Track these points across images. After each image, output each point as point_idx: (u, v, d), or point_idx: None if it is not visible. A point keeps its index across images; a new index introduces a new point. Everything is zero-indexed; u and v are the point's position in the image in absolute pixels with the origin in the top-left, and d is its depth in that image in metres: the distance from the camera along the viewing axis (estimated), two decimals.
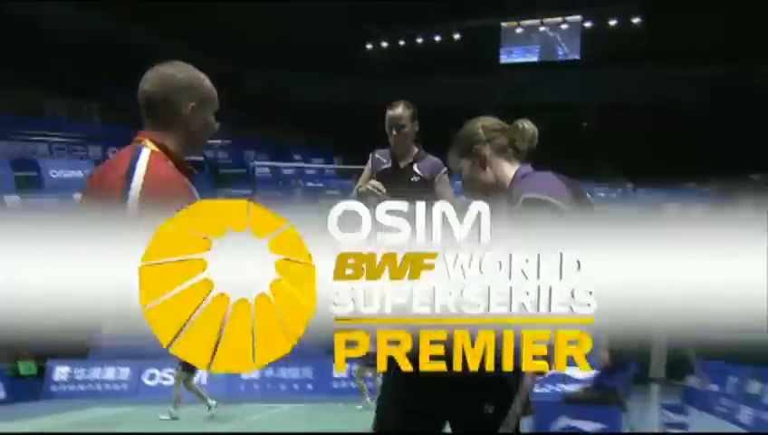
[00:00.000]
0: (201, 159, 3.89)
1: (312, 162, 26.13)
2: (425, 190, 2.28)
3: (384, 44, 32.29)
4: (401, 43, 31.83)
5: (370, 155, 2.51)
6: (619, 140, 25.67)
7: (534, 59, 29.56)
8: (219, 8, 24.03)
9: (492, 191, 1.25)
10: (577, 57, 28.40)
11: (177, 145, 1.14)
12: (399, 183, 2.34)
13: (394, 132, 2.31)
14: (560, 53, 28.90)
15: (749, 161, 18.97)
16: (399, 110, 2.34)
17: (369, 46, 32.58)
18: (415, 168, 2.35)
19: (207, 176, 4.00)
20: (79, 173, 13.12)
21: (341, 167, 19.23)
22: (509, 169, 1.26)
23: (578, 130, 29.19)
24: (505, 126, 1.32)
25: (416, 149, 2.43)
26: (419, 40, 31.28)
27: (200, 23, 24.76)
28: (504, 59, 29.96)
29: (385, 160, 2.43)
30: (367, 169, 2.50)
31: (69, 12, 21.02)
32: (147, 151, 1.07)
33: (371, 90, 33.72)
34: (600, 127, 27.92)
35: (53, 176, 13.10)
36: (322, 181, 20.06)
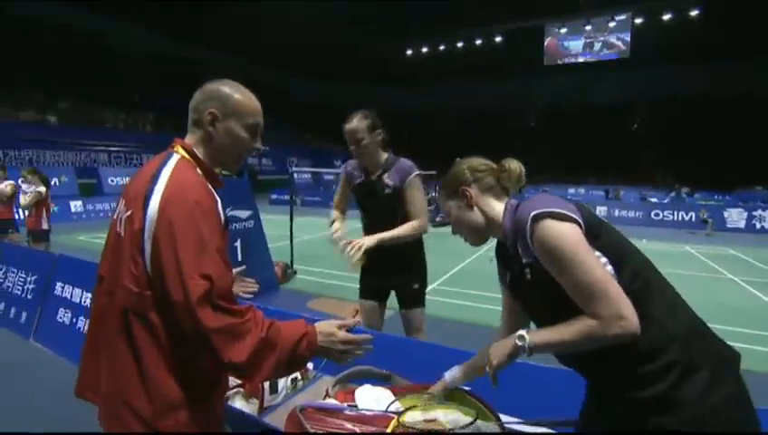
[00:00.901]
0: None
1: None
2: (397, 201, 2.22)
3: (424, 50, 32.27)
4: (441, 48, 31.65)
5: (343, 167, 2.45)
6: (672, 142, 24.14)
7: (580, 59, 28.44)
8: (265, 24, 24.87)
9: (481, 231, 1.24)
10: (626, 56, 27.04)
11: (206, 154, 1.13)
12: (374, 196, 2.29)
13: (353, 147, 2.22)
14: (607, 51, 27.61)
15: None
16: (355, 122, 2.19)
17: (409, 52, 32.69)
18: (385, 178, 2.24)
19: (246, 182, 4.10)
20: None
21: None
22: (497, 205, 1.21)
23: (628, 132, 27.77)
24: (492, 165, 1.25)
25: (384, 157, 2.29)
26: (460, 44, 30.97)
27: (248, 37, 25.82)
28: (547, 61, 29.08)
29: (358, 174, 2.35)
30: (342, 182, 2.45)
31: (129, 29, 22.61)
32: (176, 157, 1.08)
33: (411, 96, 33.92)
34: (652, 128, 26.38)
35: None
36: None
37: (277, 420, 1.46)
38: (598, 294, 0.92)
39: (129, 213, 1.01)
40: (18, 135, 14.17)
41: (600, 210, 14.06)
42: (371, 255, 2.17)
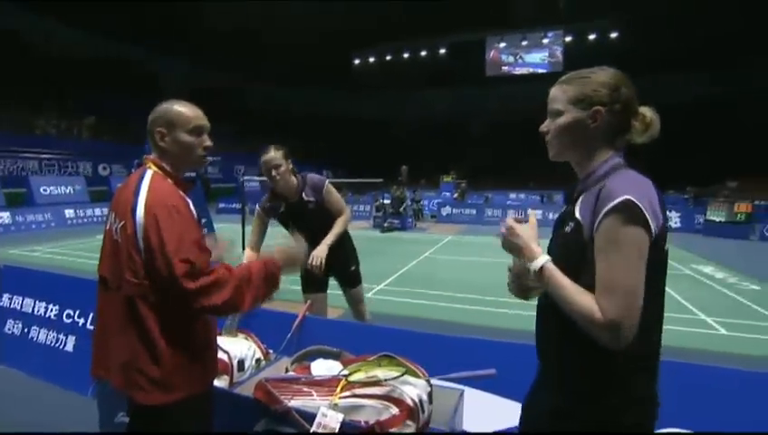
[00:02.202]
0: (193, 175, 4.16)
1: None
2: (323, 210, 2.67)
3: (371, 60, 32.98)
4: (388, 57, 32.52)
5: (257, 207, 2.82)
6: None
7: (519, 72, 30.33)
8: (213, 25, 24.37)
9: (573, 154, 1.14)
10: (560, 69, 29.27)
11: (171, 165, 1.40)
12: (303, 215, 2.63)
13: (273, 173, 2.55)
14: (544, 65, 29.70)
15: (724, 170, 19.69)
16: (272, 152, 2.54)
17: (356, 61, 33.26)
18: (305, 197, 2.63)
19: (199, 191, 4.24)
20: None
21: (331, 180, 19.46)
22: (606, 149, 1.10)
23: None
24: (635, 105, 1.10)
25: (295, 181, 2.66)
26: (406, 55, 32.00)
27: (197, 40, 25.13)
28: (489, 72, 30.75)
29: (277, 205, 2.69)
30: (258, 220, 2.81)
31: (63, 30, 21.27)
32: (150, 172, 1.35)
33: (360, 104, 34.48)
34: None
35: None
36: None
37: (245, 391, 1.75)
38: (617, 294, 0.92)
39: (122, 223, 1.31)
40: None
41: (538, 213, 15.18)
42: (310, 250, 2.60)
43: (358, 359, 1.91)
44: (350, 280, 2.80)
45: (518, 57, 30.12)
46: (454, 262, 8.15)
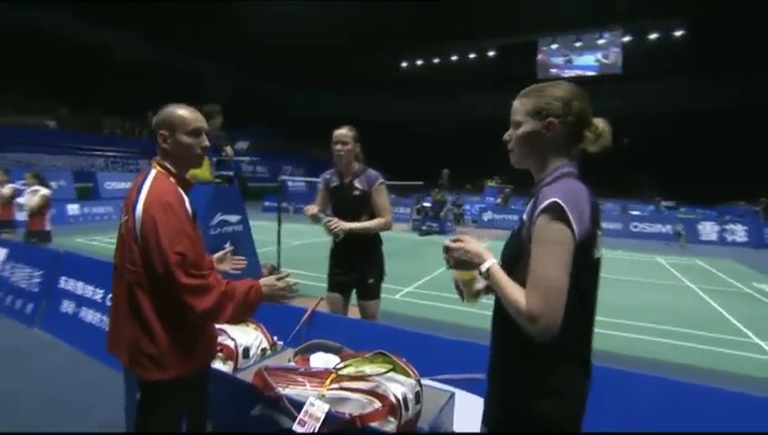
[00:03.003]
0: (230, 173, 4.43)
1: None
2: (364, 202, 2.68)
3: (419, 63, 33.01)
4: (435, 60, 32.40)
5: (321, 176, 2.94)
6: (661, 157, 24.80)
7: (573, 73, 29.17)
8: (262, 31, 25.41)
9: (530, 163, 1.23)
10: (616, 71, 27.82)
11: (173, 164, 1.53)
12: (345, 197, 2.70)
13: (339, 147, 2.65)
14: (599, 66, 28.39)
15: None
16: (345, 130, 2.69)
17: (403, 65, 33.41)
18: (355, 183, 2.68)
19: (236, 189, 4.49)
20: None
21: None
22: (554, 162, 1.19)
23: (619, 147, 28.40)
24: (588, 117, 1.19)
25: (356, 166, 2.75)
26: (454, 58, 31.74)
27: (245, 45, 26.34)
28: (541, 74, 29.84)
29: (334, 179, 2.80)
30: (321, 187, 2.92)
31: (129, 38, 23.08)
32: (154, 172, 1.50)
33: (405, 108, 34.60)
34: (641, 142, 27.02)
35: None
36: None
37: (246, 377, 1.86)
38: (540, 288, 1.01)
39: (126, 218, 1.47)
40: (18, 139, 14.52)
41: None
42: (339, 252, 2.65)
43: (356, 355, 1.97)
44: (366, 292, 2.75)
45: (568, 59, 28.99)
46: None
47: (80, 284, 3.90)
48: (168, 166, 1.53)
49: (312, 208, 2.77)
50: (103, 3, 19.15)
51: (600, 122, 1.20)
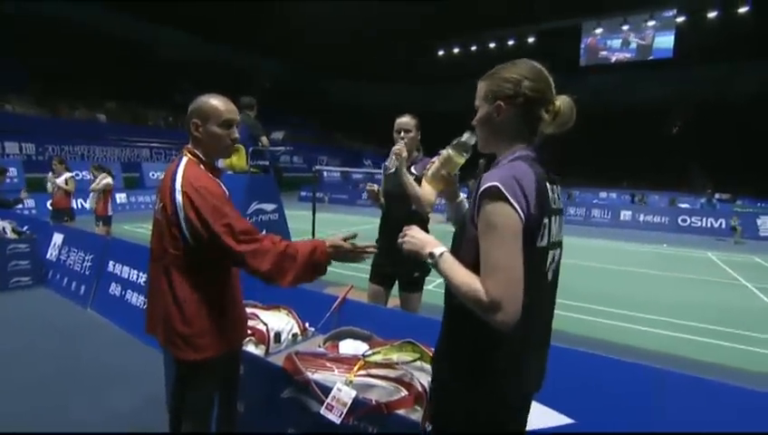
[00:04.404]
0: (266, 163, 4.53)
1: (381, 168, 26.89)
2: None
3: (456, 51, 32.35)
4: (473, 48, 31.65)
5: (382, 165, 2.89)
6: (716, 147, 23.20)
7: (619, 58, 27.68)
8: (300, 26, 25.67)
9: (489, 146, 1.20)
10: (669, 55, 26.10)
11: (203, 152, 1.56)
12: (398, 184, 2.65)
13: (402, 135, 2.63)
14: (647, 51, 26.77)
15: None
16: (407, 117, 2.67)
17: (440, 53, 32.85)
18: (412, 169, 2.63)
19: (272, 179, 4.61)
20: None
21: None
22: (508, 146, 1.14)
23: (669, 135, 26.90)
24: (544, 94, 1.11)
25: (415, 154, 2.73)
26: (492, 45, 30.89)
27: (283, 40, 26.73)
28: (587, 61, 28.54)
29: (391, 167, 2.77)
30: (384, 175, 2.90)
31: (173, 35, 23.98)
32: (185, 159, 1.52)
33: (441, 96, 34.10)
34: (695, 131, 25.39)
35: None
36: None
37: (277, 361, 1.90)
38: (498, 274, 0.96)
39: (161, 204, 1.50)
40: (72, 132, 15.42)
41: (625, 214, 13.91)
42: (386, 242, 2.59)
43: (385, 343, 1.97)
44: (409, 285, 2.72)
45: (618, 43, 27.47)
46: None
47: (125, 268, 4.11)
48: (199, 154, 1.56)
49: (374, 186, 2.78)
50: (149, 1, 19.97)
51: (559, 100, 1.13)
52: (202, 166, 1.55)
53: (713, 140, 23.73)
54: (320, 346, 2.03)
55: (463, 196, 1.45)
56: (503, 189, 0.99)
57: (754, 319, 5.01)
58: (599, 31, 27.69)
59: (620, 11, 26.01)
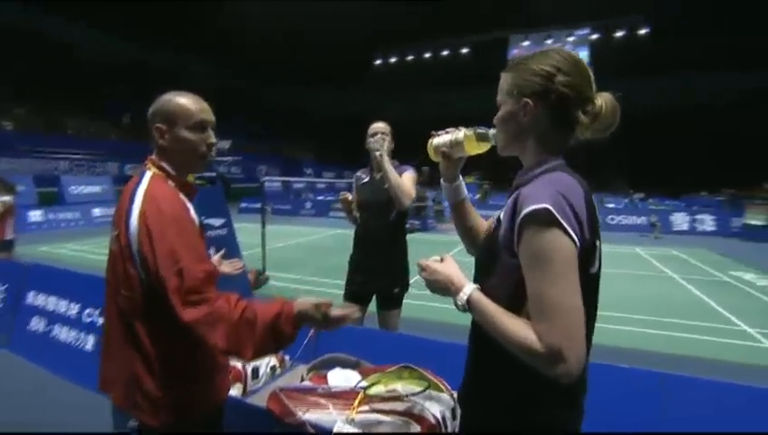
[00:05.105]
0: (213, 174, 4.16)
1: (322, 176, 26.57)
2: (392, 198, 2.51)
3: (392, 60, 32.88)
4: (409, 58, 32.35)
5: (354, 175, 2.84)
6: (630, 152, 25.58)
7: None
8: (233, 25, 24.77)
9: (514, 150, 1.03)
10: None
11: (171, 165, 1.26)
12: (376, 192, 2.58)
13: (379, 138, 2.57)
14: None
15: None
16: (382, 123, 2.63)
17: (377, 62, 33.21)
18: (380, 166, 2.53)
19: (219, 190, 4.23)
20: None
21: (351, 181, 19.47)
22: (536, 152, 0.98)
23: (587, 141, 29.18)
24: (581, 94, 0.93)
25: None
26: (427, 55, 31.77)
27: (218, 41, 25.60)
28: None
29: (364, 176, 2.71)
30: (354, 185, 2.83)
31: (97, 35, 22.00)
32: (149, 175, 1.23)
33: (381, 104, 34.48)
34: (611, 136, 27.73)
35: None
36: (332, 194, 20.34)
37: (258, 401, 1.67)
38: (555, 317, 0.81)
39: (116, 232, 1.19)
40: None
41: None
42: (362, 258, 2.59)
43: (377, 369, 1.81)
44: (388, 302, 2.60)
45: None
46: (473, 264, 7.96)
47: (51, 298, 3.57)
48: (166, 167, 1.26)
49: (348, 194, 2.65)
50: None
51: (601, 99, 0.95)
52: (171, 182, 1.25)
53: (624, 145, 26.17)
54: (303, 378, 1.82)
55: (461, 180, 1.29)
56: (555, 213, 0.82)
57: (687, 308, 5.45)
58: (526, 44, 29.51)
59: (545, 26, 27.97)
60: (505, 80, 1.02)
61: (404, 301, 2.67)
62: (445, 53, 31.26)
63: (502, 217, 0.97)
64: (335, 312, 1.20)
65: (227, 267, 1.70)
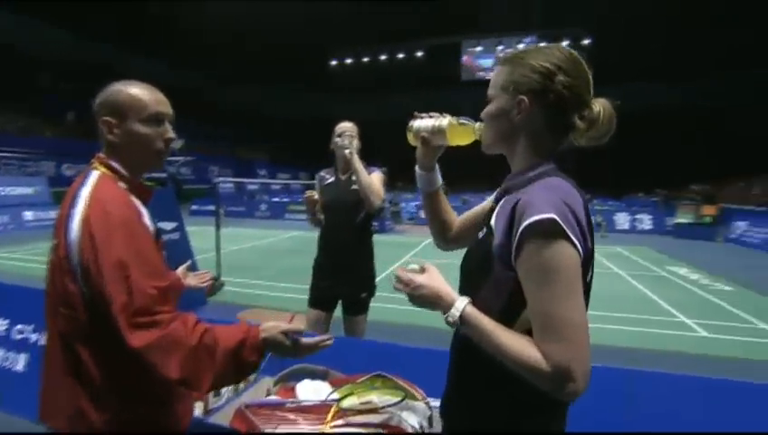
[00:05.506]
0: (164, 175, 3.88)
1: (276, 178, 25.98)
2: (361, 200, 2.44)
3: (348, 61, 32.74)
4: (365, 59, 32.36)
5: (316, 175, 2.72)
6: (576, 155, 27.00)
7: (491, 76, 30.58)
8: (187, 24, 23.68)
9: (501, 148, 0.97)
10: None
11: (122, 163, 1.12)
12: (341, 193, 2.49)
13: (341, 139, 2.49)
14: None
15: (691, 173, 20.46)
16: (349, 123, 2.55)
17: (333, 63, 32.95)
18: (353, 178, 2.47)
19: (171, 192, 3.96)
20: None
21: (304, 182, 19.14)
22: (529, 155, 0.92)
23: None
24: (580, 96, 0.88)
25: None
26: (383, 57, 31.92)
27: (168, 38, 24.33)
28: (465, 76, 30.96)
29: (329, 176, 2.61)
30: (317, 186, 2.71)
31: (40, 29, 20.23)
32: (95, 175, 1.08)
33: (332, 106, 34.27)
34: None
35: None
36: (288, 196, 19.92)
37: (222, 419, 1.55)
38: (564, 334, 0.76)
39: (55, 241, 1.04)
40: None
41: None
42: (328, 262, 2.51)
43: (348, 379, 1.74)
44: (356, 307, 2.53)
45: (490, 63, 30.40)
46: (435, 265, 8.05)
47: None
48: (116, 165, 1.11)
49: (314, 193, 2.53)
50: None
51: (598, 104, 0.90)
52: (121, 183, 1.10)
53: (570, 149, 27.66)
54: (269, 392, 1.72)
55: (437, 169, 1.23)
56: (561, 223, 0.77)
57: (635, 303, 5.78)
58: (478, 49, 30.39)
59: (496, 33, 28.95)
60: (500, 73, 0.95)
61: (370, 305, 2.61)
62: (400, 55, 31.55)
63: (494, 224, 0.90)
64: (306, 339, 1.11)
65: (194, 280, 1.57)
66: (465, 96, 31.04)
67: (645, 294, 6.25)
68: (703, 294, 6.32)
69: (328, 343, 1.20)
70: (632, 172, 24.50)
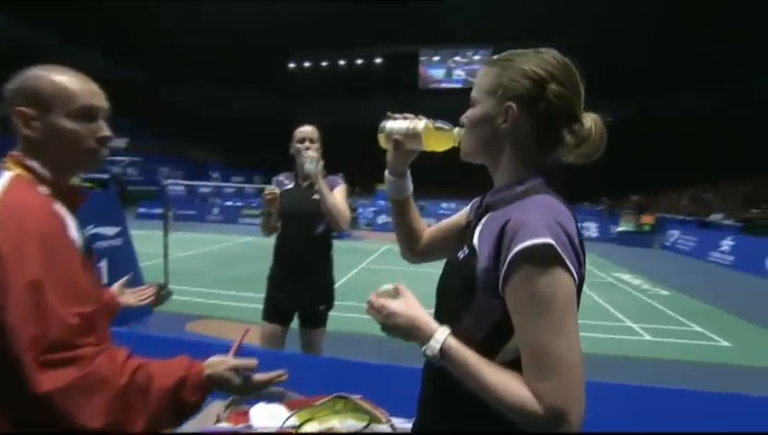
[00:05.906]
0: (106, 176, 3.56)
1: (230, 181, 25.13)
2: (319, 209, 2.26)
3: (306, 64, 32.38)
4: (324, 63, 32.16)
5: (273, 179, 2.57)
6: None
7: (451, 85, 31.40)
8: (134, 14, 22.45)
9: (483, 157, 0.90)
10: None
11: (43, 164, 0.95)
12: (302, 201, 2.37)
13: (306, 144, 2.37)
14: (471, 80, 31.02)
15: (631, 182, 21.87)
16: (310, 128, 2.42)
17: (291, 65, 32.46)
18: (315, 186, 2.32)
19: (113, 194, 3.64)
20: None
21: (258, 185, 18.60)
22: (516, 167, 0.86)
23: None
24: (571, 108, 0.83)
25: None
26: (342, 62, 31.86)
27: (112, 29, 22.95)
28: (421, 85, 31.51)
29: (288, 182, 2.49)
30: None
31: None
32: (7, 177, 0.91)
33: (289, 109, 33.78)
34: None
35: None
36: (242, 200, 19.27)
37: None
38: (560, 373, 0.70)
39: None
40: None
41: None
42: (284, 273, 2.39)
43: (306, 401, 1.63)
44: (314, 320, 2.41)
45: (450, 72, 31.19)
46: (393, 272, 8.03)
47: None
48: (36, 166, 0.94)
49: (275, 190, 2.33)
50: None
51: (590, 120, 0.83)
52: (43, 187, 0.93)
53: None
54: (220, 419, 1.58)
55: (409, 175, 1.16)
56: (557, 248, 0.70)
57: (586, 309, 5.99)
58: (435, 59, 31.05)
59: (453, 44, 29.71)
60: (487, 75, 0.87)
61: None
62: (359, 61, 31.63)
63: (477, 244, 0.82)
64: (258, 376, 0.99)
65: (132, 298, 1.41)
66: (420, 103, 31.73)
67: (596, 301, 6.53)
68: (645, 299, 6.71)
69: (283, 378, 1.09)
70: (580, 181, 25.86)
